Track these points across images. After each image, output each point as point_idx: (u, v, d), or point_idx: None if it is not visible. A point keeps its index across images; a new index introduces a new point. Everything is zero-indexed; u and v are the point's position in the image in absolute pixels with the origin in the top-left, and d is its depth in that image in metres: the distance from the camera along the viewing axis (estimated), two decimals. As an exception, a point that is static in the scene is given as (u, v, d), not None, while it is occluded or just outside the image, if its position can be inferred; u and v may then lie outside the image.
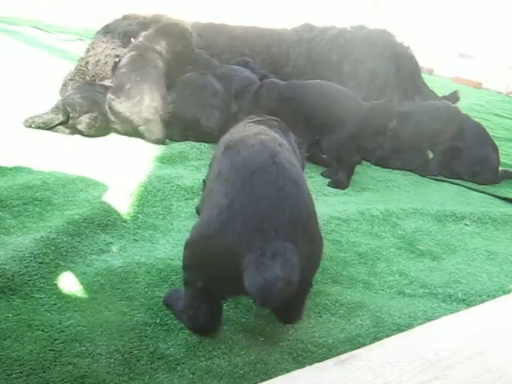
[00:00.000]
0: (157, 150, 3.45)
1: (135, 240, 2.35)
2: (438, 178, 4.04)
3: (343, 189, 3.43)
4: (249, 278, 1.48)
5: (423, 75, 11.60)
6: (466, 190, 3.89)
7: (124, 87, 3.53)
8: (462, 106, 8.38)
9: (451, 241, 2.92)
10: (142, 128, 3.54)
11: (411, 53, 4.55)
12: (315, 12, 12.39)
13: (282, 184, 1.68)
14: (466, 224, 3.16)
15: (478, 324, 1.71)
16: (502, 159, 5.14)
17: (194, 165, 3.30)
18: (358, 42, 4.39)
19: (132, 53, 3.69)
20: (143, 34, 3.86)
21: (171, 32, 3.99)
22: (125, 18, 4.52)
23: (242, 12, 11.69)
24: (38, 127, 3.43)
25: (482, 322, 1.73)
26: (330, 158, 3.52)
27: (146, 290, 1.98)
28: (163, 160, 3.31)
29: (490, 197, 3.82)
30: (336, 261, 2.47)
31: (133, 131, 3.57)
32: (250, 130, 2.03)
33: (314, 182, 3.48)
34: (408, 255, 2.67)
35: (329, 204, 3.12)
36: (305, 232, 1.66)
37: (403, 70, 4.24)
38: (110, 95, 3.55)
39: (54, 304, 1.81)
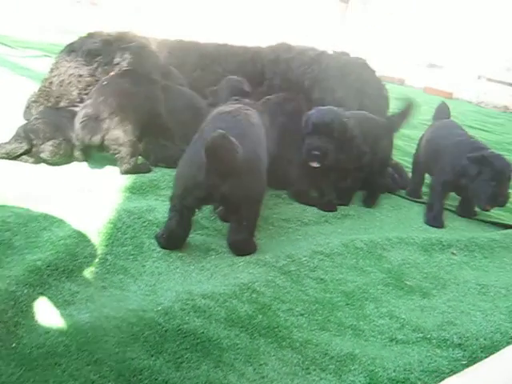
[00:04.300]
0: (126, 178, 3.25)
1: (104, 287, 2.16)
2: (420, 200, 3.91)
3: None
4: None
5: (394, 86, 11.56)
6: (447, 211, 3.75)
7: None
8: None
9: (440, 273, 2.77)
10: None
11: (384, 91, 4.41)
12: (285, 28, 12.37)
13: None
14: (452, 253, 3.02)
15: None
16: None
17: (166, 195, 3.08)
18: (331, 70, 4.25)
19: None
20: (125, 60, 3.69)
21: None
22: (90, 35, 4.31)
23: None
24: (1, 158, 3.21)
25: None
26: None
27: (117, 350, 1.78)
28: (133, 190, 3.11)
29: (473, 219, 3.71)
30: (322, 303, 2.30)
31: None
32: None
33: (294, 209, 3.33)
34: (397, 292, 2.51)
35: (310, 235, 2.96)
36: None
37: (367, 109, 4.09)
38: None
39: (12, 374, 1.61)
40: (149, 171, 3.42)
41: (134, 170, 3.34)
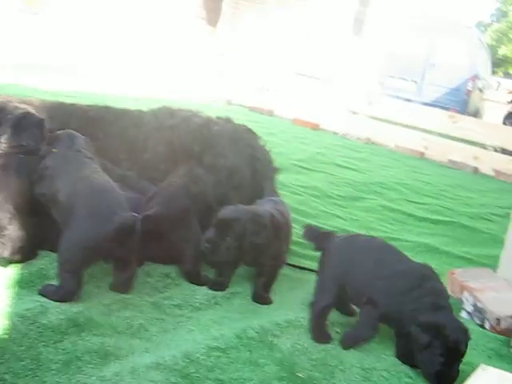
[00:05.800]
0: (12, 268, 3.18)
1: (7, 419, 2.12)
2: (301, 266, 4.12)
3: None
4: None
5: (264, 117, 11.89)
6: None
7: None
8: (305, 157, 8.74)
9: (327, 359, 2.94)
10: None
11: (270, 157, 4.66)
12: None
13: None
14: (337, 332, 3.22)
15: None
16: (347, 225, 5.41)
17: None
18: (221, 136, 4.39)
19: None
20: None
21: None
22: (-36, 102, 4.13)
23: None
24: None
25: None
26: None
27: None
28: (22, 284, 3.04)
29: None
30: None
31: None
32: None
33: (183, 290, 3.42)
34: (291, 388, 2.67)
35: (203, 325, 3.03)
36: None
37: (258, 174, 4.35)
38: None
39: None
40: (35, 256, 3.37)
41: (24, 259, 3.28)
